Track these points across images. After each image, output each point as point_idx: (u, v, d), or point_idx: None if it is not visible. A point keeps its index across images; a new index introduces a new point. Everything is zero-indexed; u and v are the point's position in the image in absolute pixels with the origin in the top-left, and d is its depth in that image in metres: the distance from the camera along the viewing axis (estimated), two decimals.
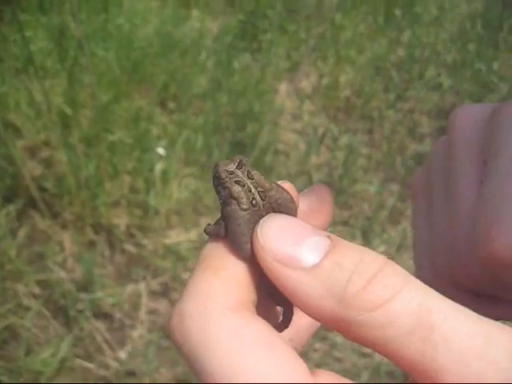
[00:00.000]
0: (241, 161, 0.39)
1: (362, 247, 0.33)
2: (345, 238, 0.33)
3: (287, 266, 0.32)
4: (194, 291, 0.33)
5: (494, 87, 3.50)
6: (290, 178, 2.84)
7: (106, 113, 2.56)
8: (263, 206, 0.37)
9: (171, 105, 2.94)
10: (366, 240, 2.64)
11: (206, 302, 0.32)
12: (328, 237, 0.33)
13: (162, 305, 2.25)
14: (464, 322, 0.29)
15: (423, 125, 3.40)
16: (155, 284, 2.29)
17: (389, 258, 0.32)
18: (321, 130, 3.13)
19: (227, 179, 0.37)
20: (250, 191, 0.37)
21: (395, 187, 2.93)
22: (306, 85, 3.49)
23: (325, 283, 0.31)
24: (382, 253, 0.32)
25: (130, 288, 2.25)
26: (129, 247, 2.37)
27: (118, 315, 2.17)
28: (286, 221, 0.34)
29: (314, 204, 0.40)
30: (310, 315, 0.32)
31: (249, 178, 0.38)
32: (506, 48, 3.81)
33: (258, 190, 0.37)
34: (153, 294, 2.26)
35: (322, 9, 3.73)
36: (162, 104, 2.93)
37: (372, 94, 3.42)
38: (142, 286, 2.26)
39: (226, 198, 0.37)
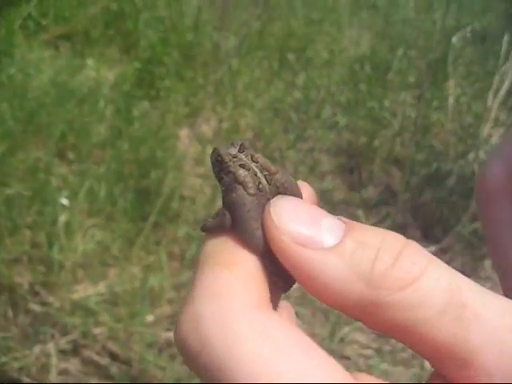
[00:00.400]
0: (242, 144, 0.38)
1: (378, 228, 0.32)
2: None
3: (307, 247, 0.30)
4: (207, 291, 0.30)
5: (386, 123, 3.79)
6: (198, 223, 2.89)
7: (0, 165, 2.51)
8: (269, 190, 0.35)
9: (70, 155, 2.92)
10: None
11: (225, 301, 0.30)
12: (340, 219, 0.32)
13: (73, 364, 2.19)
14: (492, 300, 0.29)
15: (323, 163, 3.59)
16: (64, 342, 2.23)
17: None
18: None
19: (231, 163, 0.36)
20: (256, 175, 0.36)
21: None
22: (206, 129, 3.59)
23: (350, 263, 0.30)
24: None
25: (37, 349, 2.17)
26: (33, 306, 2.30)
27: (25, 380, 2.08)
28: (299, 202, 0.33)
29: (309, 196, 0.39)
30: (329, 301, 0.31)
31: (253, 161, 0.37)
32: (394, 86, 4.14)
33: (264, 173, 0.36)
34: (63, 354, 2.20)
35: (218, 55, 3.89)
36: (61, 154, 2.90)
37: (272, 136, 3.57)
38: (50, 346, 2.19)
39: (229, 184, 0.35)
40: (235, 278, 0.31)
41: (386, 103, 3.93)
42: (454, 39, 3.12)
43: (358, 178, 3.52)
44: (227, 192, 0.36)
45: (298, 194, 0.36)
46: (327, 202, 3.23)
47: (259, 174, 0.36)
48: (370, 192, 3.38)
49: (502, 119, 3.55)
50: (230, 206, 0.35)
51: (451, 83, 3.59)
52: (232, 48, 3.94)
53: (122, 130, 3.05)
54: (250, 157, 0.37)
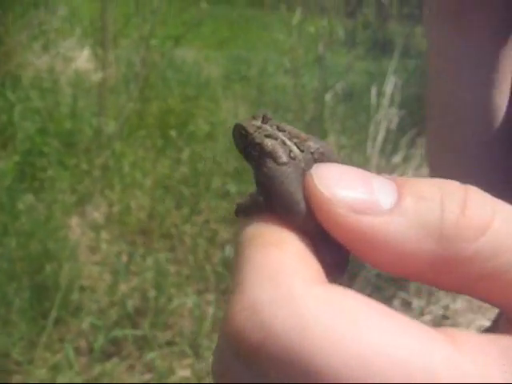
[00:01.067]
0: (265, 115, 0.34)
1: (431, 178, 0.30)
2: (174, 359, 0.32)
3: (366, 214, 0.28)
4: (259, 273, 0.27)
5: None
6: (102, 312, 2.80)
7: None
8: (303, 158, 0.32)
9: None
10: (196, 355, 2.67)
11: (282, 280, 0.26)
12: (388, 177, 0.30)
13: None
14: None
15: (221, 232, 3.63)
16: None
17: None
18: (124, 257, 3.18)
19: (256, 134, 0.33)
20: (285, 144, 0.32)
21: (211, 296, 3.05)
22: (97, 215, 3.54)
23: (416, 220, 0.27)
24: None
25: None
26: None
27: None
28: (343, 166, 0.30)
29: None
30: (398, 268, 0.28)
31: (279, 130, 0.33)
32: None
33: (294, 141, 0.33)
34: None
35: (100, 139, 3.89)
36: None
37: (166, 213, 3.58)
38: None
39: (258, 158, 0.32)
40: (287, 256, 0.28)
41: None
42: (327, 97, 3.35)
43: None
44: (258, 167, 0.32)
45: (336, 159, 0.33)
46: (230, 269, 3.25)
47: (288, 143, 0.32)
48: None
49: (382, 165, 3.81)
50: (262, 182, 0.32)
51: (331, 139, 3.82)
52: (113, 131, 3.97)
53: (7, 226, 2.93)
54: (275, 127, 0.34)
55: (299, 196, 0.30)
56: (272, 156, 0.31)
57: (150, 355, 2.55)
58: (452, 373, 0.24)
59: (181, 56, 5.55)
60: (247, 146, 0.33)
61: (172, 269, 3.20)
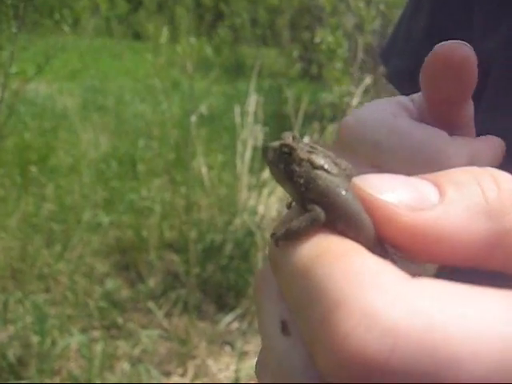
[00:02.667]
0: (294, 136, 0.34)
1: (452, 168, 0.31)
2: None
3: (422, 210, 0.29)
4: (354, 283, 0.26)
5: (148, 212, 3.86)
6: None
7: None
8: (343, 174, 0.32)
9: None
10: None
11: (386, 282, 0.25)
12: (417, 176, 0.31)
13: None
14: None
15: (98, 266, 3.49)
16: None
17: None
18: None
19: (300, 151, 0.32)
20: (327, 158, 0.33)
21: (97, 333, 2.91)
22: None
23: (465, 205, 0.29)
24: None
25: None
26: None
27: None
28: (382, 174, 0.31)
29: None
30: (459, 255, 0.29)
31: (313, 148, 0.33)
32: (145, 176, 4.27)
33: (329, 159, 0.33)
34: None
35: None
36: None
37: (36, 253, 3.37)
38: None
39: (307, 174, 0.32)
40: (370, 261, 0.27)
41: (143, 193, 4.02)
42: (193, 118, 3.36)
43: (136, 272, 3.49)
44: (308, 182, 0.31)
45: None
46: (114, 304, 3.13)
47: (327, 158, 0.32)
48: (153, 282, 3.38)
49: (252, 182, 3.89)
50: (319, 195, 0.31)
51: (199, 159, 3.84)
52: None
53: None
54: (308, 145, 0.33)
55: (359, 206, 0.30)
56: (324, 168, 0.31)
57: None
58: None
59: (32, 90, 5.30)
60: (290, 164, 0.32)
61: (51, 310, 3.01)
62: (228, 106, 5.36)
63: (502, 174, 0.30)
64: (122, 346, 2.84)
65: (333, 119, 4.50)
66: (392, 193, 0.29)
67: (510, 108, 0.73)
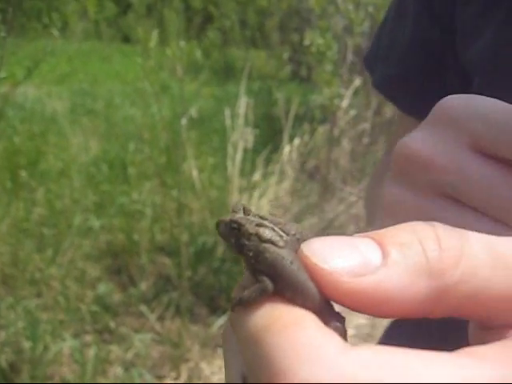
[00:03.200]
0: (245, 207, 0.37)
1: (397, 225, 0.33)
2: None
3: (366, 275, 0.30)
4: (294, 357, 0.27)
5: (140, 215, 3.85)
6: None
7: None
8: (291, 241, 0.34)
9: None
10: None
11: (324, 355, 0.27)
12: (362, 236, 0.33)
13: None
14: (508, 239, 0.32)
15: (90, 270, 3.47)
16: None
17: None
18: None
19: (248, 225, 0.34)
20: (274, 230, 0.34)
21: (89, 337, 2.90)
22: None
23: (407, 266, 0.30)
24: None
25: None
26: None
27: None
28: (328, 239, 0.32)
29: None
30: (400, 312, 0.31)
31: (262, 219, 0.35)
32: (136, 179, 4.26)
33: (278, 227, 0.34)
34: None
35: None
36: None
37: (28, 258, 3.36)
38: None
39: (256, 248, 0.33)
40: (313, 332, 0.28)
41: (134, 196, 4.02)
42: (183, 121, 3.36)
43: (128, 276, 3.48)
44: (257, 255, 0.33)
45: (312, 236, 0.35)
46: (106, 308, 3.12)
47: (276, 229, 0.34)
48: (145, 285, 3.37)
49: (243, 185, 3.89)
50: (268, 267, 0.32)
51: (189, 164, 3.83)
52: None
53: None
54: (257, 216, 0.35)
55: (305, 275, 0.31)
56: (271, 242, 0.33)
57: None
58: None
59: (20, 93, 5.27)
60: (239, 238, 0.34)
61: (43, 315, 3.00)
62: (218, 108, 5.36)
63: (446, 230, 0.31)
64: (115, 350, 2.83)
65: (323, 121, 4.52)
66: (335, 260, 0.30)
67: None
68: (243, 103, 3.90)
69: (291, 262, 0.32)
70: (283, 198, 4.07)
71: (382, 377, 0.26)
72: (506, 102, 0.44)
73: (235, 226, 0.34)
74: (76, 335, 2.89)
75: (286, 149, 4.04)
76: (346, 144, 4.29)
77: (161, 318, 3.09)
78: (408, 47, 0.88)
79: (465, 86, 0.80)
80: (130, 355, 2.78)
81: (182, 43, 2.75)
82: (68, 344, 2.75)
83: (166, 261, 3.57)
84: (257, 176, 3.99)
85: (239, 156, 3.81)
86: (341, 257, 0.30)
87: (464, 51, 0.79)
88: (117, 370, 2.72)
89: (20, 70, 2.89)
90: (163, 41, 4.42)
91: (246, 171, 3.96)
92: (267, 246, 0.33)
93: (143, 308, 3.09)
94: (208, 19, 6.99)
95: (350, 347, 0.28)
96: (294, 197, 4.15)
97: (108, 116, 5.46)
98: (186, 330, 2.94)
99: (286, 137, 4.05)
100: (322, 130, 4.49)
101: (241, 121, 3.85)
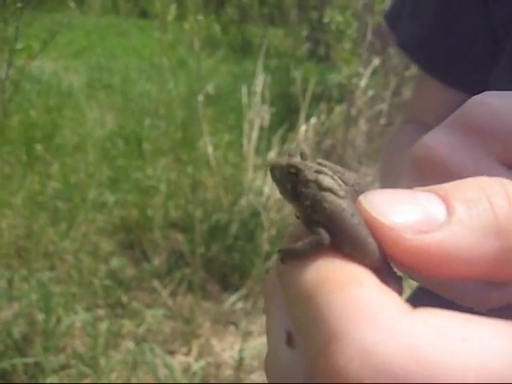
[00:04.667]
0: (302, 152, 0.34)
1: (464, 179, 0.30)
2: (73, 382, 0.27)
3: (429, 232, 0.28)
4: (350, 317, 0.25)
5: (154, 191, 3.84)
6: None
7: None
8: (349, 191, 0.32)
9: None
10: (96, 373, 2.52)
11: (382, 317, 0.25)
12: (426, 190, 0.30)
13: None
14: None
15: (103, 244, 3.48)
16: None
17: None
18: (2, 282, 2.92)
19: (307, 171, 0.32)
20: (334, 178, 0.32)
21: (102, 311, 2.91)
22: None
23: (473, 224, 0.28)
24: None
25: None
26: None
27: None
28: (387, 191, 0.30)
29: None
30: (466, 273, 0.29)
31: (321, 165, 0.32)
32: (151, 155, 4.24)
33: (338, 175, 0.32)
34: None
35: None
36: None
37: (42, 231, 3.36)
38: None
39: (314, 196, 0.31)
40: (371, 293, 0.26)
41: (149, 172, 4.00)
42: (200, 97, 3.32)
43: (141, 251, 3.48)
44: (315, 204, 0.31)
45: (372, 187, 0.33)
46: (119, 283, 3.12)
47: (335, 177, 0.32)
48: (158, 261, 3.37)
49: (258, 162, 3.86)
50: (326, 218, 0.30)
51: (205, 141, 3.80)
52: None
53: None
54: (316, 163, 0.33)
55: (365, 229, 0.29)
56: (331, 191, 0.30)
57: (48, 381, 2.37)
58: None
59: (37, 67, 5.26)
60: (296, 184, 0.32)
61: (56, 288, 3.00)
62: (235, 85, 5.30)
63: None
64: (127, 325, 2.83)
65: (340, 100, 4.45)
66: (397, 215, 0.28)
67: None
68: (260, 81, 3.84)
69: (352, 215, 0.29)
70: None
71: (450, 350, 0.24)
72: None
73: (293, 170, 0.32)
74: (88, 309, 2.90)
75: (303, 128, 3.98)
76: (362, 124, 4.23)
77: (173, 294, 3.09)
78: (434, 5, 0.83)
79: (495, 52, 0.75)
80: (141, 330, 2.78)
81: (200, 17, 2.70)
82: (80, 317, 2.76)
83: (180, 237, 3.56)
84: (272, 154, 3.94)
85: (255, 134, 3.76)
86: (402, 211, 0.28)
87: (497, 13, 0.74)
88: (128, 344, 2.73)
89: (36, 43, 2.86)
90: (181, 16, 4.37)
91: (262, 149, 3.92)
92: (326, 194, 0.30)
93: (156, 283, 3.09)
94: None
95: (412, 311, 0.26)
96: None
97: (124, 91, 5.42)
98: (198, 307, 2.93)
99: (302, 116, 3.99)
100: (339, 109, 4.42)
101: (257, 99, 3.80)
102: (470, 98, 0.45)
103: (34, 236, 3.31)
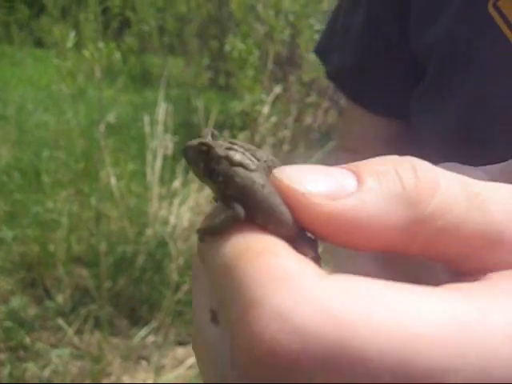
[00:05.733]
0: (213, 132, 0.35)
1: (371, 158, 0.32)
2: None
3: (340, 199, 0.29)
4: (267, 283, 0.26)
5: (55, 225, 3.69)
6: None
7: None
8: (261, 166, 0.33)
9: None
10: None
11: (298, 281, 0.26)
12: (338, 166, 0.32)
13: None
14: (497, 185, 0.32)
15: (4, 282, 3.29)
16: None
17: None
18: None
19: (218, 149, 0.33)
20: (244, 154, 0.33)
21: (3, 356, 2.74)
22: None
23: (382, 193, 0.29)
24: None
25: None
26: None
27: None
28: (301, 165, 0.31)
29: None
30: (376, 242, 0.30)
31: (232, 144, 0.34)
32: (50, 187, 4.08)
33: (249, 152, 0.33)
34: None
35: None
36: None
37: None
38: None
39: (225, 171, 0.32)
40: (286, 260, 0.27)
41: (49, 205, 3.84)
42: (101, 128, 3.25)
43: (44, 288, 3.32)
44: (227, 180, 0.32)
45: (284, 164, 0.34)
46: (21, 323, 2.96)
47: (247, 153, 0.33)
48: (62, 298, 3.22)
49: (163, 192, 3.81)
50: (238, 192, 0.31)
51: (107, 172, 3.71)
52: None
53: None
54: (227, 141, 0.34)
55: (277, 199, 0.30)
56: (242, 165, 0.32)
57: None
58: (481, 323, 0.25)
59: None
60: (209, 162, 0.33)
61: None
62: (136, 115, 5.25)
63: (422, 163, 0.31)
64: (31, 368, 2.68)
65: (243, 128, 4.51)
66: (309, 183, 0.30)
67: (446, 102, 0.72)
68: (162, 110, 3.82)
69: (263, 186, 0.31)
70: (204, 206, 4.02)
71: (365, 309, 0.25)
72: (460, 89, 0.41)
73: (204, 148, 0.33)
74: None
75: None
76: (266, 150, 4.29)
77: (79, 332, 2.96)
78: (362, 35, 0.86)
79: (417, 72, 0.79)
80: (47, 372, 2.64)
81: (101, 44, 2.65)
82: None
83: (84, 272, 3.43)
84: (177, 183, 3.91)
85: (159, 163, 3.73)
86: (315, 181, 0.30)
87: (418, 38, 0.77)
88: None
89: None
90: (80, 43, 4.28)
91: (166, 179, 3.88)
92: (237, 169, 0.31)
93: (60, 321, 2.95)
94: (125, 24, 6.83)
95: (327, 275, 0.27)
96: None
97: (20, 122, 5.21)
98: (107, 343, 2.83)
99: None
100: (242, 136, 4.47)
101: (160, 127, 3.77)
102: (395, 121, 0.47)
103: None
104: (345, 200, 0.29)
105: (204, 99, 5.26)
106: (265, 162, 0.33)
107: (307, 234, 0.32)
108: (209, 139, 0.34)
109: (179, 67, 6.69)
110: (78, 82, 4.02)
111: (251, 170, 0.31)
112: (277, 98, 4.04)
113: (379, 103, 0.88)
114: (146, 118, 3.89)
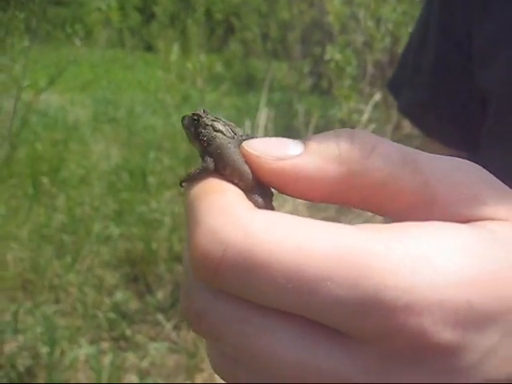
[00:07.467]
0: (205, 110, 0.45)
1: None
2: None
3: (285, 159, 0.37)
4: (208, 211, 0.35)
5: (158, 224, 3.89)
6: None
7: None
8: (237, 138, 0.42)
9: None
10: None
11: (231, 210, 0.34)
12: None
13: None
14: (436, 156, 0.38)
15: (107, 277, 3.52)
16: None
17: None
18: (7, 315, 2.97)
19: (206, 119, 0.43)
20: (226, 126, 0.43)
21: (106, 344, 2.94)
22: None
23: (320, 154, 0.37)
24: None
25: None
26: None
27: None
28: (264, 138, 0.40)
29: None
30: (315, 193, 0.38)
31: (217, 118, 0.43)
32: (155, 188, 4.31)
33: (230, 127, 0.43)
34: None
35: None
36: None
37: (47, 264, 3.41)
38: None
39: (209, 135, 0.42)
40: (230, 196, 0.36)
41: (154, 205, 4.06)
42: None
43: (146, 284, 3.52)
44: (209, 141, 0.42)
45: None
46: (123, 316, 3.16)
47: (227, 127, 0.42)
48: (162, 294, 3.41)
49: None
50: (215, 150, 0.41)
51: None
52: None
53: None
54: (213, 116, 0.44)
55: (241, 158, 0.40)
56: (222, 132, 0.42)
57: None
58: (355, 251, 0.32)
59: (43, 100, 5.37)
60: (197, 127, 0.43)
61: (61, 321, 3.04)
62: (239, 118, 5.39)
63: (362, 133, 0.38)
64: (131, 358, 2.86)
65: None
66: (264, 150, 0.38)
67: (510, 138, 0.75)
68: (264, 114, 3.93)
69: (234, 149, 0.40)
70: (301, 212, 4.08)
71: (277, 232, 0.33)
72: None
73: (195, 117, 0.43)
74: (92, 342, 2.93)
75: None
76: None
77: (177, 328, 3.12)
78: (432, 72, 0.90)
79: (480, 109, 0.82)
80: (145, 363, 2.81)
81: (203, 56, 2.79)
82: (84, 350, 2.80)
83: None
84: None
85: None
86: (269, 147, 0.38)
87: (480, 75, 0.81)
88: (132, 378, 2.76)
89: (43, 78, 2.94)
90: (185, 52, 4.48)
91: None
92: (218, 134, 0.42)
93: (160, 316, 3.13)
94: (230, 30, 7.04)
95: (258, 210, 0.35)
96: (311, 210, 4.16)
97: (129, 124, 5.52)
98: (202, 340, 2.96)
99: None
100: None
101: (261, 132, 3.88)
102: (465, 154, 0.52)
103: (40, 269, 3.36)
104: (290, 160, 0.37)
105: (305, 104, 5.32)
106: (241, 136, 0.42)
107: (264, 188, 0.41)
108: (200, 112, 0.44)
109: (282, 71, 6.80)
110: (182, 89, 4.24)
111: (228, 137, 0.41)
112: (376, 105, 4.04)
113: (450, 137, 0.92)
114: (248, 123, 4.01)
